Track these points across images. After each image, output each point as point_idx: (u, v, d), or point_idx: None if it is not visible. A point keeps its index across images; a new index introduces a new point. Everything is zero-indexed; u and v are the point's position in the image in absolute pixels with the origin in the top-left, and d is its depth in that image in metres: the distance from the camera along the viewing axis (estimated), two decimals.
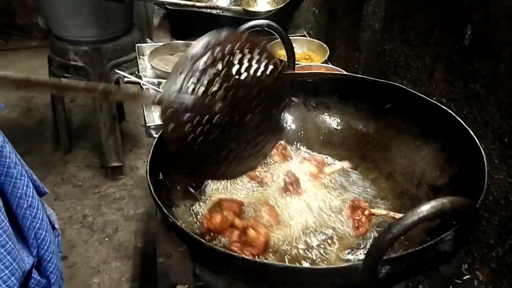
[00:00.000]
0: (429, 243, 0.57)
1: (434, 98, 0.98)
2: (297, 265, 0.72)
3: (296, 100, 1.05)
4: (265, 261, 0.71)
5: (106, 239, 2.06)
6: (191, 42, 1.52)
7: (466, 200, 0.53)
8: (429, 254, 0.59)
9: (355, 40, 1.50)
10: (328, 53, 1.47)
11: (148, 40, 1.67)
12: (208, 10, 1.60)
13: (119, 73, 1.45)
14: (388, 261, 0.56)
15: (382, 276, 0.57)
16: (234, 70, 0.68)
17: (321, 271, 0.61)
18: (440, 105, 0.87)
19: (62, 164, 2.51)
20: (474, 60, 1.01)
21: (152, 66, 1.40)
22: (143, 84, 1.31)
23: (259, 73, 0.71)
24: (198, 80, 0.65)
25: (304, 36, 1.62)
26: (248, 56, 0.69)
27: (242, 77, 0.69)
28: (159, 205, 0.71)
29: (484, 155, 0.73)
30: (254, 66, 0.70)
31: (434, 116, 0.88)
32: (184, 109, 0.64)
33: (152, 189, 0.73)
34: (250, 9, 1.60)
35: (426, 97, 0.90)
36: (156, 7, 1.74)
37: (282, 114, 0.79)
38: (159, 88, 1.28)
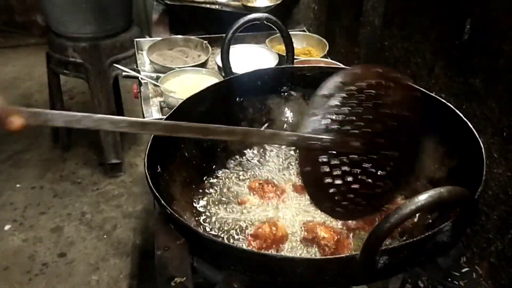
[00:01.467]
0: (427, 234, 0.57)
1: (434, 93, 0.98)
2: (295, 255, 0.71)
3: (294, 94, 1.05)
4: (263, 251, 0.71)
5: (105, 236, 2.05)
6: (190, 37, 1.53)
7: (463, 190, 0.53)
8: (427, 245, 0.59)
9: (355, 36, 1.50)
10: (328, 47, 1.46)
11: (147, 37, 1.67)
12: (208, 5, 1.60)
13: (117, 68, 1.45)
14: (386, 251, 0.56)
15: (380, 267, 0.56)
16: (369, 105, 0.67)
17: (319, 261, 0.60)
18: (439, 98, 0.87)
19: (61, 161, 2.51)
20: (474, 55, 1.01)
21: (150, 61, 1.40)
22: (141, 78, 1.31)
23: (394, 107, 0.69)
24: (333, 120, 0.65)
25: (304, 31, 1.62)
26: (382, 90, 0.68)
27: (378, 110, 0.68)
28: (157, 196, 0.71)
29: (482, 147, 0.72)
30: (389, 99, 0.69)
31: (433, 109, 0.88)
32: (319, 147, 0.64)
33: (150, 181, 0.73)
34: (249, 4, 1.60)
35: (425, 90, 0.90)
36: (155, 3, 1.73)
37: (418, 152, 0.76)
38: (157, 82, 1.27)
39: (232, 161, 1.00)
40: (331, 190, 0.66)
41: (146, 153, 0.78)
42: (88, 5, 1.99)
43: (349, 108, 0.66)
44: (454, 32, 1.05)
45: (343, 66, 1.24)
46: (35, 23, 3.69)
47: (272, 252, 0.73)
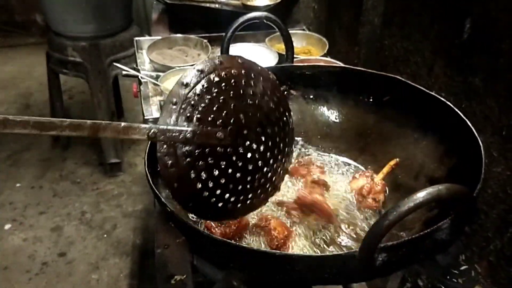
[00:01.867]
0: (425, 231, 0.57)
1: (434, 92, 0.98)
2: (294, 253, 0.72)
3: (294, 93, 1.05)
4: (262, 249, 0.71)
5: (105, 236, 2.05)
6: (190, 36, 1.53)
7: (462, 188, 0.53)
8: (426, 243, 0.59)
9: (355, 36, 1.50)
10: (327, 46, 1.46)
11: (147, 36, 1.67)
12: (207, 4, 1.60)
13: (117, 67, 1.45)
14: (384, 248, 0.56)
15: (378, 264, 0.57)
16: (231, 94, 0.64)
17: (318, 259, 0.60)
18: (438, 97, 0.87)
19: (60, 161, 2.51)
20: (473, 54, 1.01)
21: (150, 59, 1.40)
22: (141, 77, 1.31)
23: (258, 95, 0.67)
24: (194, 108, 0.60)
25: (303, 30, 1.62)
26: (244, 78, 0.66)
27: (241, 100, 0.64)
28: (157, 194, 0.71)
29: (481, 145, 0.73)
30: (252, 88, 0.66)
31: (432, 108, 0.88)
32: (182, 142, 0.60)
33: (150, 179, 0.73)
34: (249, 3, 1.60)
35: (425, 89, 0.90)
36: (155, 2, 1.73)
37: (288, 120, 0.74)
38: (157, 81, 1.27)
39: None
40: (198, 186, 0.62)
41: (146, 151, 0.78)
42: (87, 4, 1.99)
43: (210, 97, 0.62)
44: (454, 32, 1.05)
45: (343, 65, 1.25)
46: (35, 23, 3.69)
47: (271, 250, 0.74)
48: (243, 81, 0.66)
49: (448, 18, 1.10)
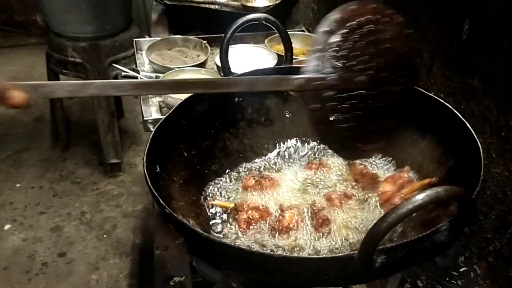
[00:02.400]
0: (424, 233, 0.57)
1: (432, 93, 0.98)
2: (293, 254, 0.72)
3: (293, 94, 1.05)
4: (260, 251, 0.72)
5: (105, 236, 2.06)
6: (189, 37, 1.53)
7: (460, 189, 0.53)
8: (425, 245, 0.59)
9: None
10: None
11: (146, 37, 1.67)
12: (207, 5, 1.60)
13: (116, 68, 1.45)
14: (383, 250, 0.56)
15: (377, 266, 0.57)
16: (369, 39, 0.67)
17: (317, 260, 0.61)
18: (437, 98, 0.87)
19: (60, 161, 2.51)
20: (472, 54, 1.01)
21: (150, 60, 1.40)
22: (140, 78, 1.31)
23: (392, 38, 0.69)
24: (337, 54, 0.64)
25: (303, 31, 1.62)
26: (379, 24, 0.68)
27: (378, 44, 0.68)
28: (155, 196, 0.71)
29: (480, 146, 0.73)
30: (386, 32, 0.69)
31: (431, 109, 0.88)
32: (327, 88, 0.63)
33: (149, 180, 0.73)
34: (248, 4, 1.61)
35: (423, 91, 0.90)
36: (154, 3, 1.74)
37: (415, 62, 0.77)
38: None
39: (231, 160, 1.00)
40: (340, 127, 0.66)
41: (145, 152, 0.78)
42: (87, 5, 1.99)
43: (351, 43, 0.65)
44: (452, 32, 1.05)
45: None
46: (35, 23, 3.69)
47: (269, 251, 0.74)
48: (378, 26, 0.69)
49: (446, 18, 1.09)
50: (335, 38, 0.64)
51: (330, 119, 0.65)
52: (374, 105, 0.69)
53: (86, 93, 0.57)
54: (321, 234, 0.78)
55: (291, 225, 0.77)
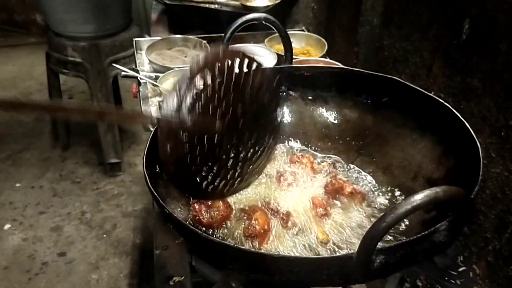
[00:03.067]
0: (423, 233, 0.57)
1: (433, 93, 0.99)
2: (292, 254, 0.72)
3: (293, 94, 1.05)
4: (259, 250, 0.72)
5: (105, 236, 2.06)
6: (189, 36, 1.53)
7: (459, 190, 0.54)
8: (424, 244, 0.59)
9: (354, 36, 1.50)
10: (326, 47, 1.46)
11: (146, 36, 1.67)
12: (207, 5, 1.60)
13: (116, 68, 1.45)
14: (382, 250, 0.56)
15: (376, 266, 0.57)
16: (232, 85, 0.67)
17: (316, 260, 0.61)
18: (436, 98, 0.87)
19: (60, 160, 2.51)
20: (471, 54, 1.01)
21: (149, 60, 1.40)
22: (140, 78, 1.31)
23: (255, 88, 0.70)
24: (197, 98, 0.64)
25: (303, 31, 1.62)
26: (245, 71, 0.69)
27: (240, 92, 0.68)
28: (155, 196, 0.71)
29: (479, 146, 0.73)
30: (251, 81, 0.69)
31: (431, 109, 0.88)
32: (183, 129, 0.63)
33: (148, 180, 0.73)
34: (248, 4, 1.60)
35: (423, 90, 0.90)
36: (154, 2, 1.73)
37: (277, 115, 0.78)
38: (156, 82, 1.28)
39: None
40: (193, 170, 0.66)
41: (145, 152, 0.78)
42: (87, 4, 1.99)
43: (212, 88, 0.65)
44: (452, 32, 1.05)
45: (342, 66, 1.25)
46: (35, 22, 3.69)
47: (268, 251, 0.74)
48: (243, 73, 0.69)
49: (447, 18, 1.10)
50: (196, 82, 0.64)
51: (186, 161, 0.65)
52: (227, 150, 0.69)
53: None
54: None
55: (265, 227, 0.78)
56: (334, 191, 0.86)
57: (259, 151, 0.75)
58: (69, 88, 3.05)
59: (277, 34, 1.09)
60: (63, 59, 2.12)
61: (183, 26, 1.65)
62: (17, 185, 2.35)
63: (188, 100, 0.63)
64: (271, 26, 1.03)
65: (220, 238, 0.79)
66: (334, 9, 1.74)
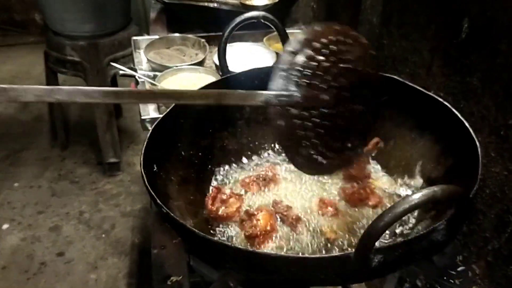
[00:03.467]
0: (421, 232, 0.57)
1: (432, 92, 0.98)
2: (290, 254, 0.71)
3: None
4: (257, 250, 0.71)
5: (103, 235, 2.06)
6: (188, 35, 1.52)
7: (457, 188, 0.53)
8: (422, 244, 0.59)
9: None
10: None
11: (145, 35, 1.67)
12: (205, 4, 1.60)
13: (115, 68, 1.45)
14: (380, 250, 0.56)
15: (374, 265, 0.56)
16: (333, 59, 0.69)
17: (314, 260, 0.60)
18: (435, 97, 0.87)
19: (59, 160, 2.51)
20: (471, 53, 1.01)
21: (148, 59, 1.39)
22: (138, 77, 1.30)
23: (355, 59, 0.72)
24: (301, 73, 0.66)
25: (302, 30, 1.61)
26: (343, 45, 0.71)
27: (342, 65, 0.70)
28: (152, 195, 0.71)
29: (478, 145, 0.72)
30: (350, 53, 0.72)
31: (429, 108, 0.88)
32: (292, 105, 0.66)
33: (146, 180, 0.73)
34: (247, 2, 1.60)
35: (422, 89, 0.90)
36: (153, 1, 1.73)
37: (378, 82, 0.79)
38: (154, 81, 1.27)
39: (229, 159, 1.00)
40: (304, 143, 0.69)
41: (142, 152, 0.78)
42: (86, 3, 1.98)
43: (316, 63, 0.68)
44: (452, 31, 1.05)
45: None
46: (34, 22, 3.69)
47: (266, 251, 0.74)
48: (341, 47, 0.71)
49: (446, 17, 1.09)
50: (300, 58, 0.67)
51: (294, 135, 0.68)
52: (337, 123, 0.72)
53: (53, 98, 0.57)
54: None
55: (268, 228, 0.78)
56: (358, 200, 0.85)
57: (365, 121, 0.77)
58: None
59: (276, 33, 1.09)
60: (62, 58, 2.12)
61: (181, 25, 1.65)
62: (16, 184, 2.34)
63: (295, 76, 0.66)
64: (270, 25, 1.02)
65: (222, 234, 0.79)
66: (334, 8, 1.74)
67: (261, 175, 0.91)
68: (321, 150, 0.71)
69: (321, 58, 0.68)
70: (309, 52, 0.67)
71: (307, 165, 0.72)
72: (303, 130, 0.68)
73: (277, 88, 0.66)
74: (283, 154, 1.01)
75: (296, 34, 0.69)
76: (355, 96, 0.73)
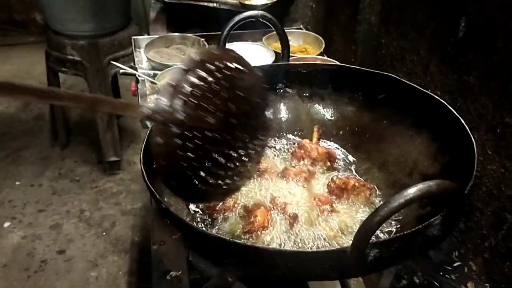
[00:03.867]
0: (417, 227, 0.58)
1: (430, 91, 0.99)
2: (287, 249, 0.72)
3: (290, 91, 1.06)
4: (255, 245, 0.72)
5: (104, 234, 2.06)
6: (187, 34, 1.53)
7: (453, 184, 0.54)
8: (418, 239, 0.60)
9: (352, 34, 1.50)
10: (324, 45, 1.47)
11: (145, 35, 1.68)
12: (205, 3, 1.61)
13: (115, 67, 1.46)
14: (376, 244, 0.56)
15: (370, 260, 0.57)
16: (224, 85, 0.68)
17: (310, 254, 0.61)
18: (432, 94, 0.88)
19: (59, 159, 2.52)
20: (468, 52, 1.01)
21: (148, 58, 1.40)
22: (138, 75, 1.31)
23: (247, 88, 0.72)
24: (190, 93, 0.64)
25: (301, 29, 1.62)
26: (236, 71, 0.70)
27: (232, 91, 0.69)
28: (152, 191, 0.71)
29: (474, 142, 0.73)
30: (242, 81, 0.71)
31: (426, 106, 0.89)
32: (175, 123, 0.63)
33: (145, 176, 0.74)
34: (246, 2, 1.61)
35: (419, 87, 0.91)
36: (153, 1, 1.74)
37: (268, 116, 0.78)
38: (154, 79, 1.28)
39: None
40: (184, 165, 0.66)
41: (142, 148, 0.79)
42: (86, 3, 1.99)
43: (206, 85, 0.66)
44: (449, 30, 1.06)
45: (338, 63, 1.25)
46: (34, 21, 3.70)
47: (264, 245, 0.74)
48: (235, 73, 0.70)
49: (444, 16, 1.10)
50: (192, 77, 0.65)
51: (173, 156, 0.64)
52: (221, 150, 0.70)
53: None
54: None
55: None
56: (338, 189, 0.86)
57: (251, 151, 0.75)
58: (69, 87, 3.05)
59: (275, 32, 1.09)
60: (62, 58, 2.13)
61: (181, 24, 1.66)
62: (17, 183, 2.35)
63: (182, 94, 0.63)
64: (268, 24, 1.03)
65: (219, 231, 0.80)
66: (333, 8, 1.74)
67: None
68: (201, 175, 0.68)
69: (213, 80, 0.66)
70: (202, 73, 0.65)
71: (184, 190, 0.69)
72: (183, 151, 0.64)
73: (162, 103, 0.62)
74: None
75: (192, 53, 0.68)
76: (242, 124, 0.71)
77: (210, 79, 0.66)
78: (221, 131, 0.68)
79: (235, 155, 0.72)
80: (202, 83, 0.65)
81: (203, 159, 0.67)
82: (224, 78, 0.68)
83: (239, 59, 0.71)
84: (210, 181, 0.69)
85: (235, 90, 0.70)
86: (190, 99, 0.64)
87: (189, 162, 0.66)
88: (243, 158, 0.74)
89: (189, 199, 0.79)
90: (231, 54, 0.71)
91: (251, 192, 0.88)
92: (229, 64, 0.69)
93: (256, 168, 0.81)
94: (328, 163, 0.94)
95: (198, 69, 0.65)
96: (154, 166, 0.74)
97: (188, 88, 0.64)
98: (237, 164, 0.73)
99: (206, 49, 0.70)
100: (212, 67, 0.66)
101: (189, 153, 0.65)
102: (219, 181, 0.71)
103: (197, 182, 0.68)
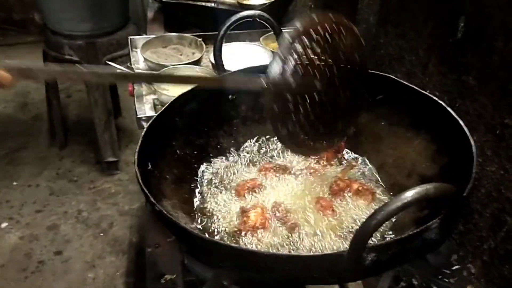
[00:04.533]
0: (415, 231, 0.57)
1: (428, 91, 0.98)
2: (283, 252, 0.71)
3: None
4: (250, 248, 0.71)
5: (101, 234, 2.05)
6: (184, 34, 1.52)
7: (450, 187, 0.53)
8: (415, 242, 0.59)
9: None
10: None
11: (143, 35, 1.67)
12: (203, 3, 1.60)
13: (110, 65, 1.45)
14: (373, 248, 0.55)
15: (367, 264, 0.56)
16: (328, 48, 0.74)
17: (307, 258, 0.60)
18: (431, 95, 0.87)
19: (57, 159, 2.51)
20: (467, 52, 1.01)
21: (144, 58, 1.39)
22: None
23: (348, 49, 0.77)
24: (298, 61, 0.70)
25: None
26: (337, 34, 0.76)
27: (335, 54, 0.75)
28: (146, 193, 0.70)
29: (473, 144, 0.72)
30: (343, 42, 0.77)
31: (425, 107, 0.88)
32: (287, 90, 0.70)
33: (139, 178, 0.73)
34: (244, 2, 1.60)
35: (417, 88, 0.90)
36: (150, 1, 1.73)
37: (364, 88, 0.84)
38: None
39: (223, 158, 1.00)
40: (296, 126, 0.74)
41: (137, 150, 0.78)
42: (84, 2, 1.98)
43: (310, 51, 0.72)
44: (448, 30, 1.05)
45: None
46: (33, 21, 3.69)
47: (259, 249, 0.73)
48: (336, 36, 0.76)
49: (442, 16, 1.09)
50: (297, 46, 0.70)
51: (284, 108, 0.71)
52: (328, 108, 0.77)
53: (69, 78, 0.61)
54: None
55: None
56: (341, 192, 0.86)
57: (349, 110, 0.83)
58: (67, 87, 3.04)
59: (272, 32, 1.08)
60: (60, 58, 2.12)
61: (179, 24, 1.65)
62: (14, 183, 2.34)
63: (291, 63, 0.70)
64: (265, 24, 1.02)
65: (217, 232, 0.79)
66: (331, 8, 1.73)
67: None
68: (306, 130, 0.75)
69: (316, 46, 0.72)
70: (306, 41, 0.71)
71: (290, 140, 0.76)
72: (294, 106, 0.72)
73: (274, 73, 0.69)
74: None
75: (294, 22, 0.73)
76: (345, 84, 0.78)
77: (314, 45, 0.72)
78: (325, 93, 0.75)
79: (335, 113, 0.79)
80: (308, 51, 0.71)
81: (310, 116, 0.75)
82: (327, 42, 0.74)
83: (339, 20, 0.77)
84: (314, 137, 0.77)
85: (338, 52, 0.76)
86: (299, 66, 0.70)
87: (297, 115, 0.73)
88: (342, 117, 0.82)
89: (293, 149, 0.87)
90: (330, 17, 0.76)
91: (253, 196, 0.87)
92: (330, 28, 0.74)
93: (352, 129, 0.89)
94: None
95: (303, 38, 0.70)
96: (151, 168, 0.76)
97: (296, 56, 0.70)
98: (337, 122, 0.81)
99: (307, 17, 0.76)
100: (315, 34, 0.72)
101: (300, 115, 0.73)
102: (321, 138, 0.80)
103: (305, 138, 0.76)
